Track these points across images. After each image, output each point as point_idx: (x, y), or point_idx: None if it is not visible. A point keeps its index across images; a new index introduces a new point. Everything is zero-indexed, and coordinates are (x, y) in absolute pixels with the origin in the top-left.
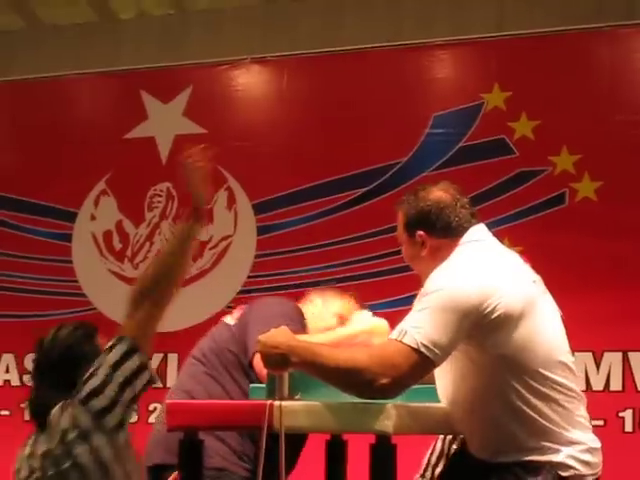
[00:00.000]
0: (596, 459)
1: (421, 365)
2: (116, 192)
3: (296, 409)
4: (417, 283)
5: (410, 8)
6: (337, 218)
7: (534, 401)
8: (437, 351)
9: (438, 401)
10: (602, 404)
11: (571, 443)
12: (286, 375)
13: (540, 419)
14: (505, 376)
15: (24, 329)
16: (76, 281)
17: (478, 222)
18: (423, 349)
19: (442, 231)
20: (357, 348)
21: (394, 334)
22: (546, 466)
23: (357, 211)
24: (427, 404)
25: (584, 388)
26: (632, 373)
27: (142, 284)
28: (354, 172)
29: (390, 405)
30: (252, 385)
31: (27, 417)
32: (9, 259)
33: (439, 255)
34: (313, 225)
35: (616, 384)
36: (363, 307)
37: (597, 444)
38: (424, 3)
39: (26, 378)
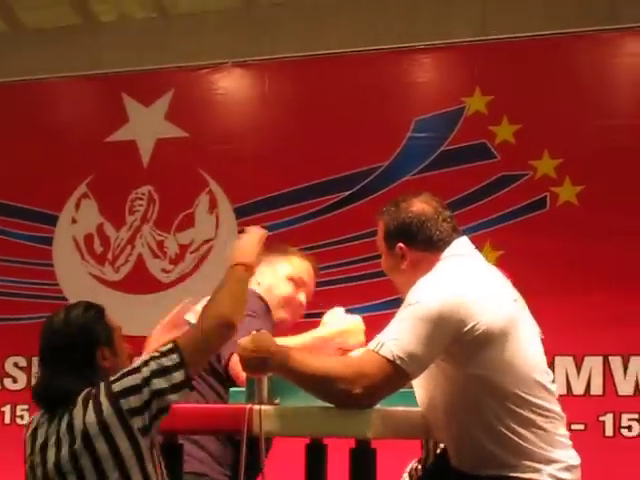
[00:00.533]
0: (574, 476)
1: (396, 377)
2: (97, 195)
3: (276, 413)
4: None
5: (392, 12)
6: (319, 222)
7: (512, 424)
8: (413, 364)
9: (418, 405)
10: (582, 408)
11: (550, 462)
12: (265, 379)
13: (519, 440)
14: (481, 396)
15: (4, 332)
16: (57, 284)
17: (460, 235)
18: (398, 361)
19: (423, 244)
20: (333, 357)
21: (372, 345)
22: None
23: (338, 215)
24: (408, 408)
25: (565, 392)
26: (613, 377)
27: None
28: (336, 176)
29: (370, 409)
30: (232, 389)
31: (7, 420)
32: None
33: (419, 268)
34: (295, 229)
35: (596, 388)
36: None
37: (576, 461)
38: (406, 7)
39: (7, 381)
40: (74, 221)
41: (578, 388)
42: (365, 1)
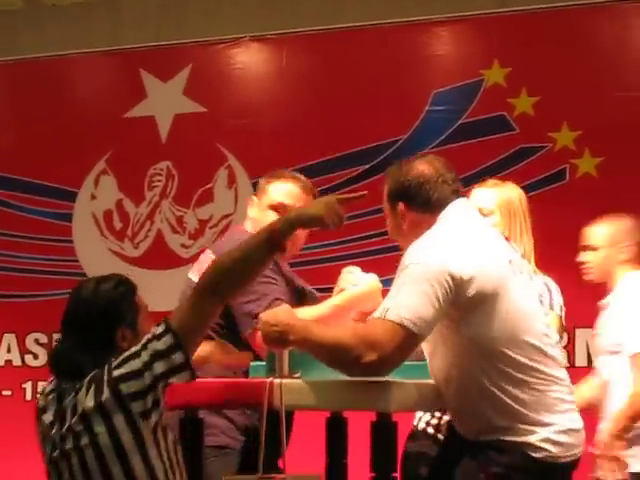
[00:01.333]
0: (573, 440)
1: (406, 340)
2: (116, 171)
3: (296, 387)
4: None
5: None
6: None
7: (503, 384)
8: (420, 323)
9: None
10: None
11: (546, 424)
12: (286, 353)
13: (510, 401)
14: (474, 359)
15: (25, 309)
16: (77, 261)
17: (458, 197)
18: (406, 322)
19: (421, 206)
20: (346, 327)
21: (377, 312)
22: (518, 447)
23: (358, 188)
24: (429, 381)
25: (585, 364)
26: None
27: (215, 277)
28: (355, 149)
29: (391, 382)
30: (253, 363)
31: (29, 396)
32: (9, 239)
33: (418, 230)
34: None
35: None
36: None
37: (577, 424)
38: None
39: (28, 358)
40: (93, 197)
41: (583, 361)
42: None
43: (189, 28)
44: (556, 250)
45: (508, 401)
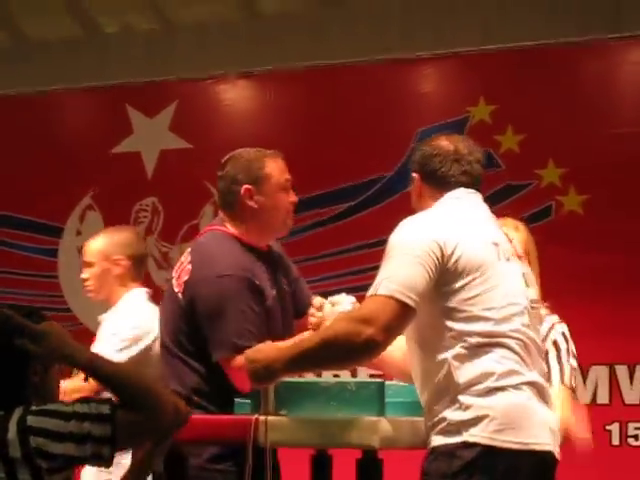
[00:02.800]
0: (497, 400)
1: (400, 311)
2: (102, 207)
3: (282, 424)
4: None
5: (394, 22)
6: (322, 232)
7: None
8: (411, 294)
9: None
10: (589, 417)
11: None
12: (271, 390)
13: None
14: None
15: None
16: (62, 296)
17: (470, 182)
18: (397, 294)
19: (427, 177)
20: (331, 324)
21: (370, 291)
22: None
23: (342, 225)
24: (413, 418)
25: None
26: (619, 386)
27: None
28: (340, 186)
29: (376, 419)
30: (237, 400)
31: None
32: None
33: (423, 201)
34: (299, 239)
35: (603, 398)
36: None
37: (509, 380)
38: (408, 17)
39: None
40: (79, 233)
41: (584, 397)
42: (367, 12)
43: (175, 64)
44: (540, 286)
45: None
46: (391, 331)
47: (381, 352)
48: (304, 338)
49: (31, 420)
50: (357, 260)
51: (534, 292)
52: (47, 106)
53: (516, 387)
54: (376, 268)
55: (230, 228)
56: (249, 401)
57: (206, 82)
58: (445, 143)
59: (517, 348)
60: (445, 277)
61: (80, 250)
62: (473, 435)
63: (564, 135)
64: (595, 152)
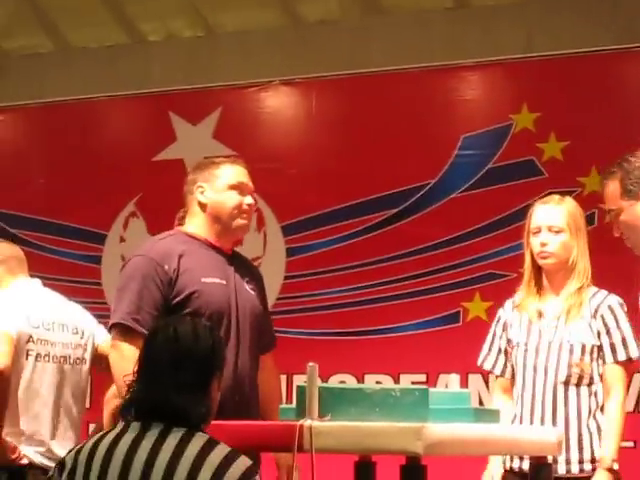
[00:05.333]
0: None
1: None
2: (145, 214)
3: (326, 430)
4: (447, 305)
5: (439, 30)
6: (366, 240)
7: None
8: None
9: (470, 421)
10: (632, 425)
11: None
12: (316, 395)
13: None
14: None
15: None
16: (105, 303)
17: None
18: None
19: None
20: None
21: None
22: None
23: (386, 232)
24: (459, 424)
25: None
26: None
27: None
28: (383, 194)
29: (420, 426)
30: (282, 406)
31: None
32: None
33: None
34: (342, 247)
35: None
36: None
37: None
38: (453, 25)
39: None
40: (122, 240)
41: (628, 405)
42: (411, 18)
43: (219, 71)
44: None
45: None
46: None
47: None
48: None
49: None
50: (400, 268)
51: None
52: (91, 113)
53: None
54: (419, 276)
55: (189, 227)
56: (294, 407)
57: (250, 89)
58: None
59: None
60: None
61: (123, 258)
62: None
63: (607, 142)
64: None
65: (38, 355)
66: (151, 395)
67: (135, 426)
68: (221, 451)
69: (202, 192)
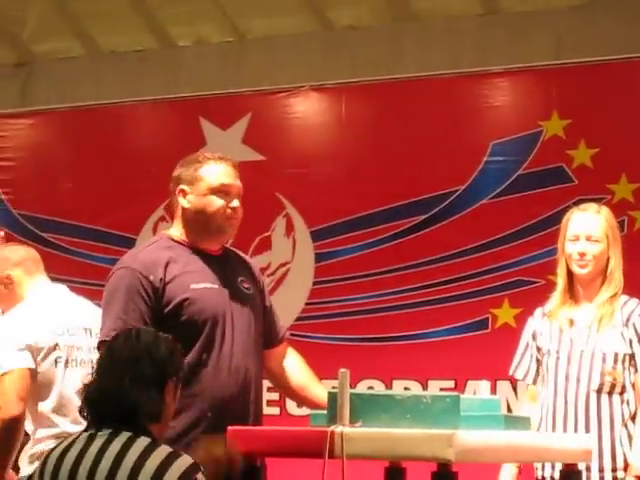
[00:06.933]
0: None
1: None
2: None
3: (358, 436)
4: (475, 311)
5: (469, 36)
6: (395, 246)
7: None
8: None
9: (501, 428)
10: None
11: None
12: (347, 402)
13: None
14: None
15: None
16: None
17: None
18: None
19: None
20: None
21: None
22: None
23: (415, 239)
24: (490, 431)
25: None
26: None
27: None
28: (412, 200)
29: (452, 432)
30: (314, 412)
31: None
32: (68, 285)
33: None
34: (371, 252)
35: None
36: None
37: None
38: (483, 31)
39: None
40: None
41: None
42: (441, 25)
43: (248, 76)
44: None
45: None
46: None
47: None
48: None
49: None
50: (429, 274)
51: None
52: (120, 118)
53: None
54: (449, 282)
55: (174, 230)
56: (325, 412)
57: (279, 95)
58: None
59: None
60: None
61: None
62: None
63: (637, 150)
64: None
65: (67, 362)
66: (106, 385)
67: (84, 437)
68: (161, 453)
69: (184, 196)
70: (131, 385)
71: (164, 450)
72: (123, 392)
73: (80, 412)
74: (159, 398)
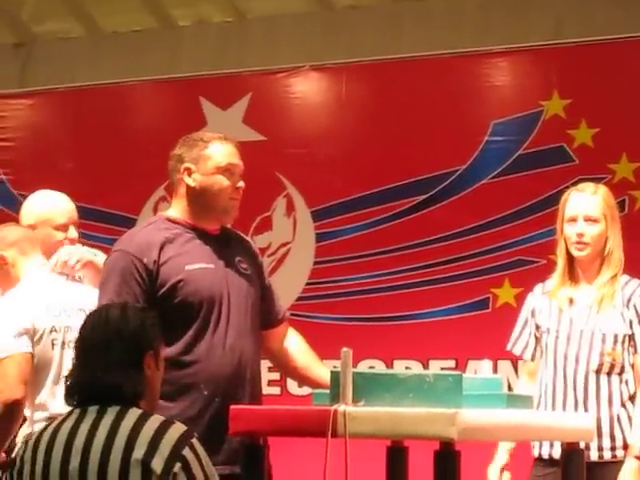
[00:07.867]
0: None
1: None
2: None
3: (361, 415)
4: (476, 291)
5: (469, 16)
6: (396, 225)
7: None
8: None
9: (503, 407)
10: None
11: None
12: (350, 381)
13: None
14: None
15: None
16: None
17: None
18: None
19: None
20: None
21: None
22: None
23: (415, 218)
24: (492, 410)
25: None
26: None
27: None
28: (413, 179)
29: (454, 411)
30: (316, 391)
31: None
32: None
33: None
34: (372, 232)
35: None
36: None
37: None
38: (483, 11)
39: None
40: None
41: None
42: (441, 5)
43: (248, 56)
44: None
45: None
46: None
47: None
48: None
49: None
50: (429, 254)
51: None
52: (120, 98)
53: None
54: (448, 262)
55: (173, 210)
56: (327, 392)
57: (279, 75)
58: None
59: None
60: None
61: None
62: None
63: (638, 129)
64: None
65: (63, 343)
66: (84, 377)
67: (75, 413)
68: (155, 422)
69: (189, 174)
70: (106, 372)
71: (157, 419)
72: (100, 380)
73: (65, 400)
74: (138, 376)
